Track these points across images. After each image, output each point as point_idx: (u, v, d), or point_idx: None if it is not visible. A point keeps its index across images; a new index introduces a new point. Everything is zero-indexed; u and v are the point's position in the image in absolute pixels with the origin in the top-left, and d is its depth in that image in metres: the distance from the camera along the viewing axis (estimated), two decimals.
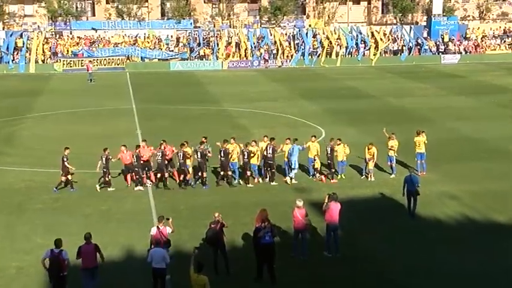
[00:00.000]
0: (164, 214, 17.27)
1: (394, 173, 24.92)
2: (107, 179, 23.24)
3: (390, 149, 24.84)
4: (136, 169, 23.37)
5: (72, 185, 23.31)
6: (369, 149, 24.56)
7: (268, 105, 41.07)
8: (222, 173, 23.87)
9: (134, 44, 63.75)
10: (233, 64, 63.29)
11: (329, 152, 24.35)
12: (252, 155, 23.79)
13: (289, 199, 20.78)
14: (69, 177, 23.17)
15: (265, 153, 23.93)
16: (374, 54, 65.75)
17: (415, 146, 25.46)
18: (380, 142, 25.92)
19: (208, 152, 23.76)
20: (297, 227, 17.31)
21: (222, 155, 23.62)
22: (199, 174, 23.70)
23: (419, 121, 34.90)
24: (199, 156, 23.45)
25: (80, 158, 26.38)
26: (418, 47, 68.02)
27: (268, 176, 24.24)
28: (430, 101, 43.11)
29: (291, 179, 24.18)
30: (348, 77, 55.60)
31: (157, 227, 16.22)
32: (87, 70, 53.94)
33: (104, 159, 23.15)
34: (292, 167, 24.05)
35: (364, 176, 24.87)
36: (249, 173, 23.93)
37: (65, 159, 23.06)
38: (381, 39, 67.66)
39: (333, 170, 24.58)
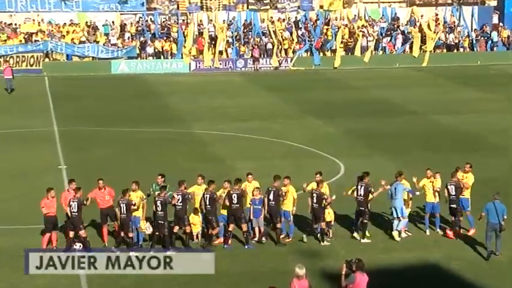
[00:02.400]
0: None
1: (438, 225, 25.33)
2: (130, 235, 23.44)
3: (435, 192, 25.11)
4: (48, 227, 23.14)
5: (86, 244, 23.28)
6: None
7: (259, 126, 41.40)
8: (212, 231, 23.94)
9: (56, 34, 64.15)
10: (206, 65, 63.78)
11: (452, 192, 24.42)
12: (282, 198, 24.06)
13: (290, 268, 20.93)
14: (83, 232, 23.28)
15: (355, 194, 24.40)
16: (424, 51, 66.23)
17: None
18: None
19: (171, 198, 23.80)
20: None
21: (208, 201, 23.65)
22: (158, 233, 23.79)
23: (483, 148, 35.48)
24: (158, 207, 23.44)
25: None
26: (485, 38, 68.97)
27: (359, 230, 24.52)
28: (499, 119, 43.55)
29: (399, 232, 24.44)
30: (377, 84, 56.24)
31: None
32: (6, 75, 53.89)
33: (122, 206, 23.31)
34: (399, 215, 24.31)
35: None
36: (279, 225, 24.22)
37: (85, 202, 23.25)
38: (429, 27, 68.48)
39: (458, 219, 24.69)
